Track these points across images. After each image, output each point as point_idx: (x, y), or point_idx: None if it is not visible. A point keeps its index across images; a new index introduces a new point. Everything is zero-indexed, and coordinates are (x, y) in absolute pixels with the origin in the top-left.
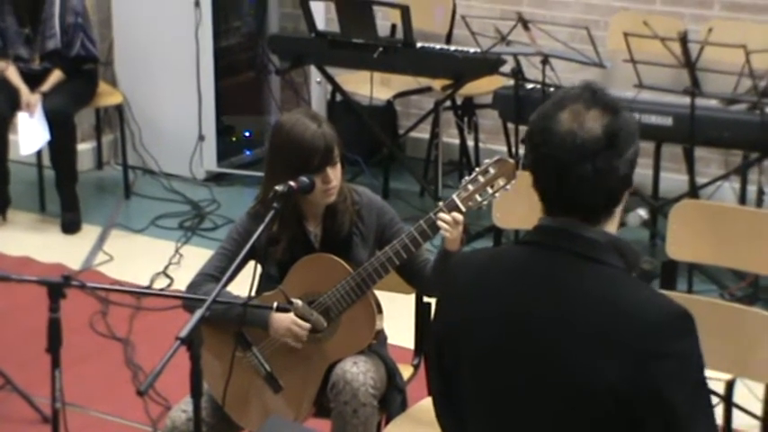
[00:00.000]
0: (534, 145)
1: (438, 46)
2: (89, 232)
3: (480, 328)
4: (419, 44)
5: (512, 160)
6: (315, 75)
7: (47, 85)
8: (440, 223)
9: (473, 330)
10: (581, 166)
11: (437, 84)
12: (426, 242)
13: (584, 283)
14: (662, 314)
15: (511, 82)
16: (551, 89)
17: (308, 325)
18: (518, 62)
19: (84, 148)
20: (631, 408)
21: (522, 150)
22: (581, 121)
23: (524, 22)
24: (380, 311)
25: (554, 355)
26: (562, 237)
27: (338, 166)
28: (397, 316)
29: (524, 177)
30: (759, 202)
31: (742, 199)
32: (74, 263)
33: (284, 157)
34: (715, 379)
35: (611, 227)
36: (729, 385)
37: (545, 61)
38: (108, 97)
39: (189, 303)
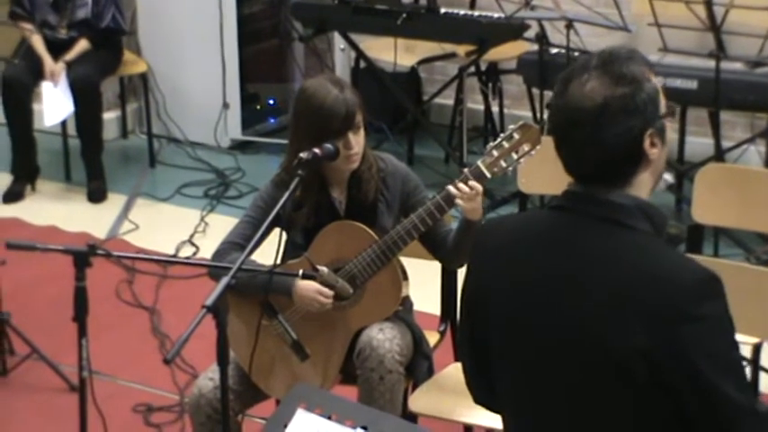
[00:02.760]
0: (551, 112)
1: (462, 11)
2: (115, 201)
3: (510, 292)
4: (443, 10)
5: (536, 125)
6: (338, 41)
7: (71, 54)
8: (453, 191)
9: (503, 295)
10: (570, 134)
11: (461, 50)
12: (451, 209)
13: (612, 249)
14: (691, 278)
15: (535, 47)
16: (576, 54)
17: (331, 293)
18: (542, 27)
19: (109, 117)
20: (661, 371)
21: (546, 115)
22: (582, 91)
23: None
24: (406, 278)
25: (583, 320)
26: (588, 201)
27: (361, 131)
28: (423, 282)
29: (549, 142)
30: None
31: None
32: (100, 232)
33: (306, 122)
34: (742, 342)
35: (642, 191)
36: (756, 348)
37: (569, 26)
38: (132, 66)
39: (214, 272)
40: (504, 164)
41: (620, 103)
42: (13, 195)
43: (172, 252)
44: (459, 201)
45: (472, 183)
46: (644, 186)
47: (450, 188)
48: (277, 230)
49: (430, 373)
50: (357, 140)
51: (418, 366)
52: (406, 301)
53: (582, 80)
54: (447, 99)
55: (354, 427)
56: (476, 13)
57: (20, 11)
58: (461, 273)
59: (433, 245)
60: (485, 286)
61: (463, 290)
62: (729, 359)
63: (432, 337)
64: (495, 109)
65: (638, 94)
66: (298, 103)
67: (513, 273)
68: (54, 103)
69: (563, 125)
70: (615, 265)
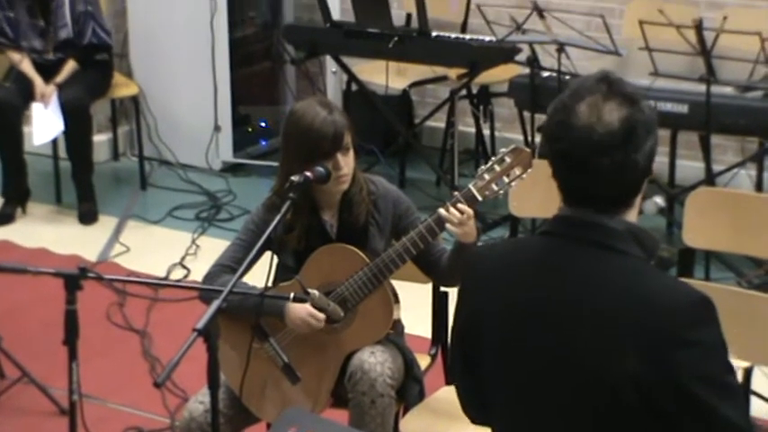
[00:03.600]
0: (552, 138)
1: (453, 35)
2: (105, 223)
3: (502, 317)
4: (434, 33)
5: (528, 149)
6: (330, 65)
7: (61, 76)
8: (444, 214)
9: (495, 319)
10: (599, 161)
11: (452, 73)
12: (443, 232)
13: (604, 273)
14: (684, 301)
15: (526, 70)
16: (567, 77)
17: (323, 316)
18: (533, 50)
19: (100, 139)
20: (654, 395)
21: (538, 139)
22: (599, 115)
23: (539, 11)
24: (397, 301)
25: (575, 344)
26: (581, 227)
27: (350, 153)
28: (415, 306)
29: (540, 166)
30: None
31: (758, 186)
32: (90, 254)
33: (295, 144)
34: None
35: (631, 216)
36: (747, 373)
37: (560, 49)
38: (123, 88)
39: (205, 294)
40: (495, 187)
41: (643, 123)
42: (3, 218)
43: (163, 275)
44: (450, 226)
45: (462, 206)
46: (633, 210)
47: (442, 211)
48: (268, 253)
49: (421, 396)
50: (346, 162)
51: (409, 390)
52: (398, 325)
53: (594, 103)
54: (438, 122)
55: None
56: (467, 37)
57: (3, 40)
58: (452, 296)
59: (427, 265)
60: (477, 310)
61: (456, 313)
62: (725, 382)
63: (423, 361)
64: (486, 132)
65: (649, 112)
66: (287, 126)
67: (505, 297)
68: (43, 123)
69: (584, 151)
70: (608, 289)
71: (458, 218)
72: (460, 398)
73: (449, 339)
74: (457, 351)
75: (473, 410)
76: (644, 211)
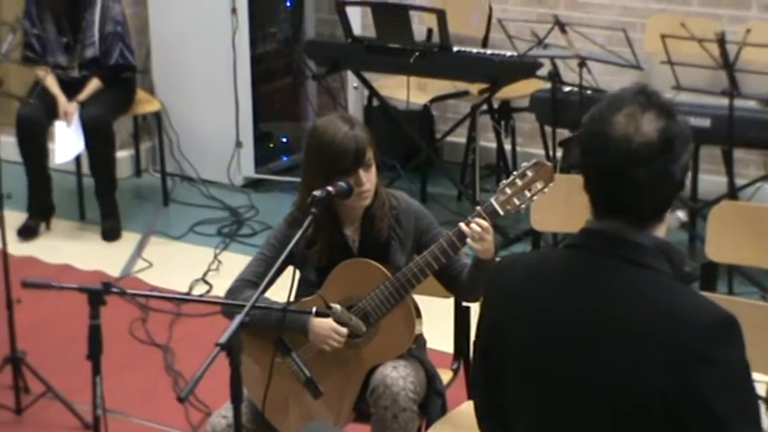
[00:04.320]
0: (587, 149)
1: (474, 50)
2: (128, 239)
3: (525, 330)
4: (455, 48)
5: (549, 163)
6: (351, 80)
7: (84, 94)
8: (465, 229)
9: (518, 332)
10: (636, 172)
11: (474, 88)
12: (464, 246)
13: (631, 289)
14: (713, 321)
15: (548, 85)
16: (588, 92)
17: (345, 330)
18: (555, 65)
19: (123, 155)
20: (677, 414)
21: (559, 153)
22: (636, 126)
23: (561, 25)
24: (419, 316)
25: (600, 360)
26: (610, 241)
27: (372, 169)
28: (436, 320)
29: (562, 180)
30: None
31: None
32: (113, 270)
33: (317, 160)
34: (757, 381)
35: (661, 230)
36: None
37: (582, 64)
38: (146, 105)
39: (228, 309)
40: (517, 201)
41: (680, 136)
42: (27, 231)
43: (185, 290)
44: (469, 242)
45: (479, 221)
46: (663, 225)
47: (462, 226)
48: (290, 268)
49: (443, 411)
50: (368, 177)
51: (431, 404)
52: (420, 339)
53: (632, 114)
54: (460, 137)
55: None
56: (488, 52)
57: (32, 55)
58: (474, 310)
59: (448, 280)
60: (500, 325)
61: (478, 326)
62: (745, 403)
63: (445, 375)
64: (507, 147)
65: (685, 126)
66: (309, 141)
67: (529, 309)
68: (65, 141)
69: (621, 161)
70: (636, 305)
71: (478, 232)
72: (477, 411)
73: (471, 353)
74: (478, 364)
75: (489, 425)
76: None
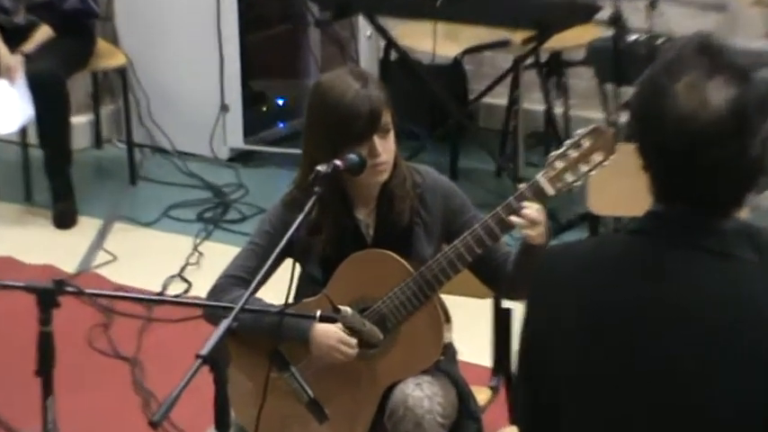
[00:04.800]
0: (643, 128)
1: None
2: (86, 226)
3: (583, 335)
4: None
5: (610, 129)
6: (364, 27)
7: (31, 45)
8: (515, 220)
9: (573, 340)
10: (705, 156)
11: (516, 36)
12: (506, 234)
13: (712, 284)
14: None
15: (609, 32)
16: (660, 40)
17: (356, 340)
18: (618, 8)
19: (80, 121)
20: (757, 420)
21: (623, 117)
22: (702, 98)
23: None
24: (449, 321)
25: (681, 373)
26: (681, 226)
27: (390, 136)
28: (471, 326)
29: (627, 151)
30: None
31: None
32: (68, 264)
33: (321, 125)
34: None
35: (743, 213)
36: None
37: (652, 5)
38: (108, 58)
39: (211, 313)
40: (570, 178)
41: (757, 103)
42: None
43: (158, 289)
44: (520, 228)
45: (530, 204)
46: (746, 206)
47: (502, 214)
48: (289, 262)
49: None
50: (385, 146)
51: (464, 429)
52: (449, 350)
53: (694, 83)
54: (499, 98)
55: None
56: None
57: None
58: (518, 313)
59: (488, 273)
60: (550, 328)
61: (523, 326)
62: None
63: (481, 394)
64: (558, 110)
65: (762, 87)
66: (312, 103)
67: (586, 311)
68: (8, 105)
69: (686, 145)
70: (719, 305)
71: (528, 217)
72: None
73: (513, 366)
74: (523, 381)
75: None
76: (758, 206)
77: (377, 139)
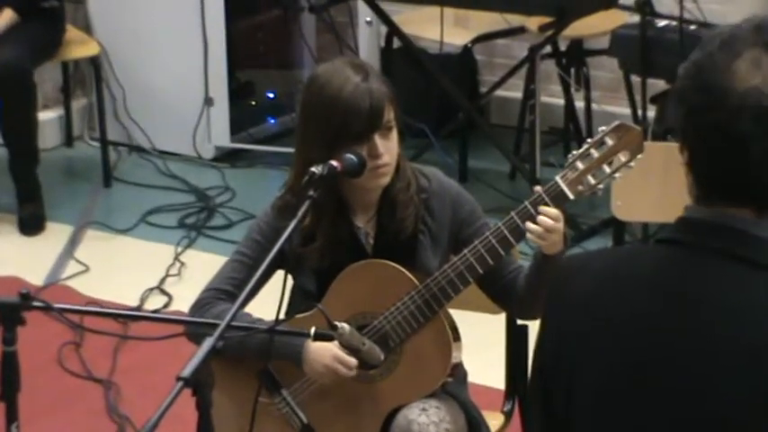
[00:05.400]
0: (692, 109)
1: None
2: (56, 233)
3: (603, 355)
4: None
5: (637, 127)
6: (363, 12)
7: None
8: (529, 226)
9: (594, 359)
10: (765, 137)
11: (532, 22)
12: (520, 243)
13: (753, 302)
14: None
15: (636, 18)
16: (692, 27)
17: (354, 361)
18: None
19: (48, 117)
20: None
21: (651, 113)
22: (765, 75)
23: None
24: (458, 339)
25: (713, 396)
26: (721, 235)
27: (392, 135)
28: (482, 345)
29: (655, 150)
30: None
31: None
32: (35, 276)
33: (317, 122)
34: None
35: None
36: None
37: None
38: (79, 48)
39: (194, 330)
40: (592, 180)
41: None
42: None
43: (135, 303)
44: (531, 236)
45: (546, 209)
46: None
47: (516, 218)
48: (280, 274)
49: None
50: (387, 146)
51: None
52: (458, 371)
53: (756, 59)
54: (513, 91)
55: None
56: None
57: None
58: (534, 331)
59: (498, 289)
60: (568, 347)
61: (537, 344)
62: None
63: (493, 420)
64: (579, 104)
65: None
66: (307, 97)
67: (608, 329)
68: None
69: (747, 124)
70: (759, 324)
71: (544, 225)
72: None
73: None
74: (536, 393)
75: None
76: None
77: (378, 138)
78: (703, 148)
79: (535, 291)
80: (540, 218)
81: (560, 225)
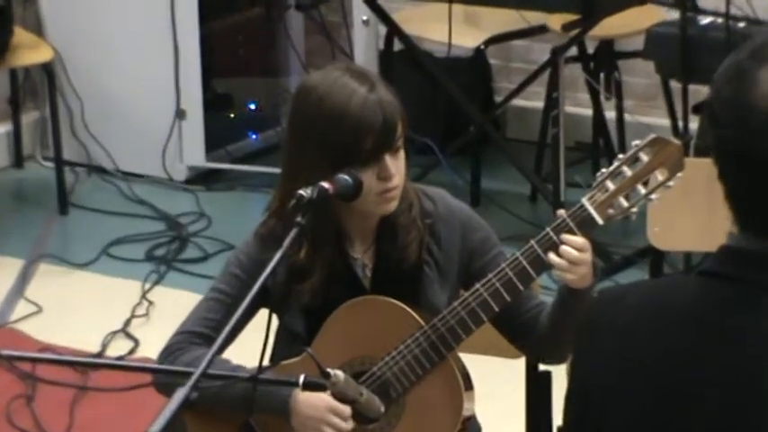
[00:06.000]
0: (720, 124)
1: None
2: (3, 267)
3: (639, 397)
4: None
5: (677, 141)
6: (359, 10)
7: None
8: (554, 260)
9: (629, 402)
10: None
11: (555, 21)
12: (541, 275)
13: None
14: None
15: (675, 15)
16: (740, 25)
17: (349, 410)
18: None
19: None
20: None
21: (693, 124)
22: None
23: None
24: (470, 388)
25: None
26: (762, 267)
27: (401, 152)
28: (499, 394)
29: (698, 168)
30: None
31: None
32: None
33: (317, 139)
34: None
35: None
36: None
37: None
38: (30, 53)
39: (164, 380)
40: (625, 203)
41: None
42: None
43: (96, 349)
44: (558, 271)
45: (570, 238)
46: None
47: (537, 247)
48: (264, 313)
49: None
50: (397, 166)
51: None
52: (471, 425)
53: None
54: (533, 100)
55: None
56: None
57: None
58: (559, 375)
59: (515, 328)
60: (601, 383)
61: (569, 388)
62: None
63: None
64: (610, 114)
65: None
66: (301, 110)
67: (641, 369)
68: None
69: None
70: None
71: (568, 257)
72: None
73: None
74: (568, 428)
75: None
76: None
77: (388, 158)
78: (732, 172)
79: (559, 331)
80: (564, 248)
81: (588, 256)
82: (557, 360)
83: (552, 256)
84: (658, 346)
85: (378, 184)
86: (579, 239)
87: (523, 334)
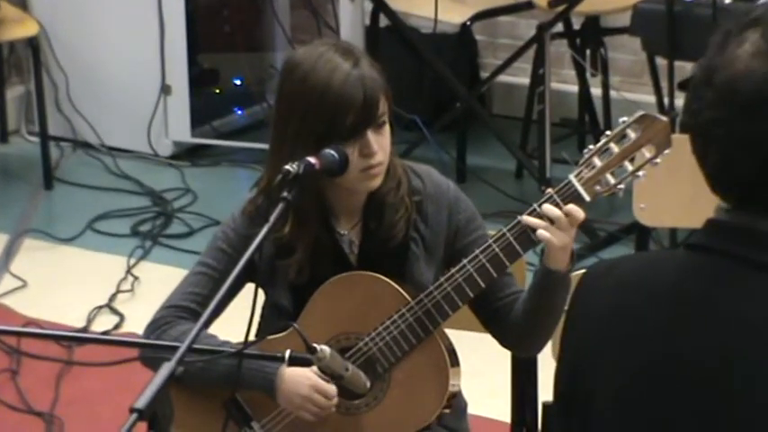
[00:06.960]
0: (696, 97)
1: None
2: None
3: (624, 376)
4: None
5: (664, 117)
6: None
7: None
8: (533, 221)
9: (617, 372)
10: (755, 124)
11: None
12: (527, 251)
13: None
14: None
15: None
16: (727, 1)
17: (334, 389)
18: None
19: None
20: None
21: (680, 101)
22: (748, 58)
23: None
24: (456, 364)
25: (748, 419)
26: (746, 240)
27: (386, 129)
28: (484, 371)
29: (685, 144)
30: None
31: None
32: None
33: (300, 116)
34: None
35: None
36: None
37: None
38: (14, 27)
39: (150, 354)
40: (611, 179)
41: None
42: None
43: (81, 324)
44: (541, 232)
45: (553, 209)
46: None
47: (526, 218)
48: (250, 288)
49: None
50: (380, 143)
51: None
52: (457, 401)
53: (757, 44)
54: (519, 76)
55: None
56: None
57: None
58: (544, 353)
59: (491, 314)
60: (589, 363)
61: (559, 363)
62: None
63: None
64: (596, 91)
65: None
66: (286, 87)
67: (632, 342)
68: None
69: (745, 124)
70: None
71: (550, 213)
72: None
73: (539, 423)
74: (558, 403)
75: None
76: None
77: (371, 135)
78: (701, 145)
79: (532, 318)
80: (546, 206)
81: (575, 222)
82: (530, 350)
83: (534, 219)
84: (646, 317)
85: (360, 160)
86: (575, 209)
87: (497, 319)
